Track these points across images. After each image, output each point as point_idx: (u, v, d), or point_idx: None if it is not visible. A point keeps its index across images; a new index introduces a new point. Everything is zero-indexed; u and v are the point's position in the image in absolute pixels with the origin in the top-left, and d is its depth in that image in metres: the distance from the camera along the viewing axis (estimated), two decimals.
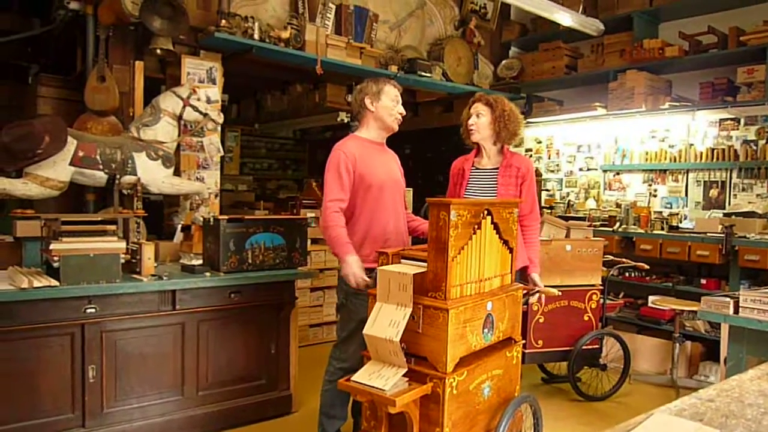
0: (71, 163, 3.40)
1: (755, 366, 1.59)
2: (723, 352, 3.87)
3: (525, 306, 3.74)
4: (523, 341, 2.90)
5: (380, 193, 2.90)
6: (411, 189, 6.37)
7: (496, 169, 3.21)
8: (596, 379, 4.17)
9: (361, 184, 2.87)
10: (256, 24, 4.34)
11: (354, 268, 2.72)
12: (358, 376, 2.24)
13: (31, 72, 5.32)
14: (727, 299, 2.66)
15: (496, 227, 2.48)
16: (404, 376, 2.22)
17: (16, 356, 2.78)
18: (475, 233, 2.34)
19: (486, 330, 2.42)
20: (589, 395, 4.06)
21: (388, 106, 2.95)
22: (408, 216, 3.19)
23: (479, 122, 3.17)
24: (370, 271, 2.75)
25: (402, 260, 2.43)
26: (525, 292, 2.97)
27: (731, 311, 2.64)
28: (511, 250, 2.62)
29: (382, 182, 2.91)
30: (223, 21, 4.12)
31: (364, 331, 2.26)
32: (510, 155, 3.24)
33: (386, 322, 2.21)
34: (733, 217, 4.61)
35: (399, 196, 3.05)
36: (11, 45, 4.83)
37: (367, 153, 2.92)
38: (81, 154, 3.42)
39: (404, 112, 3.04)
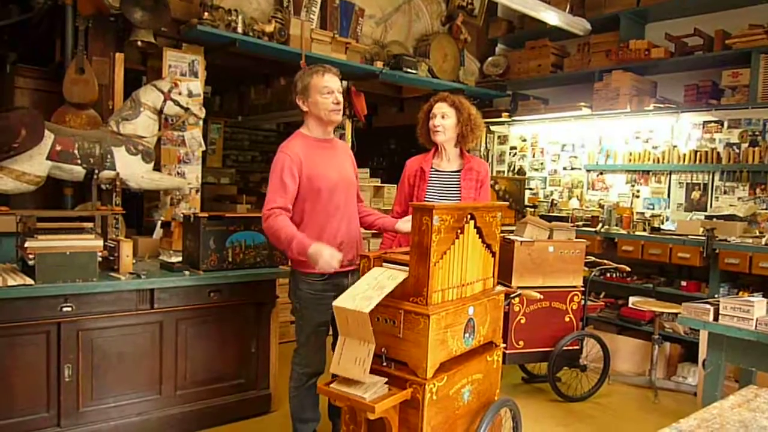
0: (48, 158, 3.32)
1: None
2: (701, 354, 3.91)
3: (507, 307, 3.74)
4: (504, 345, 2.90)
5: (331, 196, 2.74)
6: (395, 184, 6.38)
7: (458, 171, 3.21)
8: (576, 379, 4.19)
9: (310, 189, 2.70)
10: (240, 17, 4.28)
11: (324, 252, 2.49)
12: (337, 382, 2.22)
13: (8, 60, 5.19)
14: (707, 306, 2.67)
15: (479, 231, 2.46)
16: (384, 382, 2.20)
17: None
18: (457, 238, 2.32)
19: (467, 335, 2.41)
20: (569, 396, 4.08)
21: (318, 101, 2.72)
22: (363, 210, 3.03)
23: (445, 124, 3.14)
24: (326, 276, 2.73)
25: (384, 264, 2.41)
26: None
27: (711, 318, 2.65)
28: (494, 254, 2.61)
29: (333, 184, 2.75)
30: (206, 13, 4.05)
31: (332, 370, 2.20)
32: (470, 159, 3.25)
33: (352, 358, 2.14)
34: (715, 219, 4.64)
35: (351, 196, 2.89)
36: None
37: (314, 153, 2.74)
38: (58, 148, 3.34)
39: (340, 101, 2.77)
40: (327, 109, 2.74)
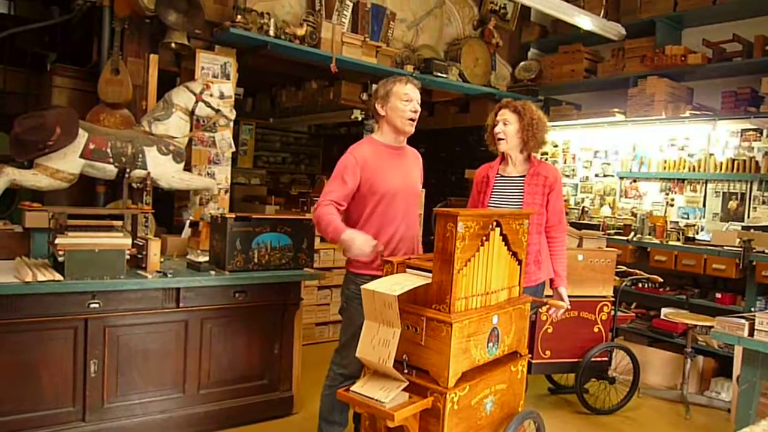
0: (82, 156, 3.38)
1: None
2: (736, 370, 3.79)
3: (533, 316, 3.68)
4: (530, 355, 2.84)
5: (392, 201, 2.78)
6: (424, 189, 6.35)
7: (522, 177, 3.14)
8: (604, 391, 4.09)
9: (371, 193, 2.75)
10: (272, 20, 4.30)
11: (357, 239, 2.56)
12: (357, 387, 2.20)
13: (49, 60, 5.33)
14: (743, 321, 2.58)
15: (505, 239, 2.42)
16: (405, 389, 2.17)
17: (19, 349, 2.77)
18: (482, 245, 2.29)
19: (491, 344, 2.37)
20: (597, 408, 3.99)
21: (397, 108, 2.78)
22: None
23: (507, 130, 3.09)
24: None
25: (407, 270, 2.39)
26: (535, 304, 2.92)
27: (746, 333, 2.56)
28: (519, 262, 2.56)
29: (394, 190, 2.78)
30: (239, 16, 4.08)
31: (357, 354, 2.21)
32: (537, 163, 3.17)
33: (377, 342, 2.15)
34: (752, 230, 4.49)
35: (413, 203, 2.93)
36: (30, 32, 4.84)
37: (380, 159, 2.79)
38: (92, 146, 3.40)
39: (418, 110, 2.83)
40: (404, 117, 2.78)
